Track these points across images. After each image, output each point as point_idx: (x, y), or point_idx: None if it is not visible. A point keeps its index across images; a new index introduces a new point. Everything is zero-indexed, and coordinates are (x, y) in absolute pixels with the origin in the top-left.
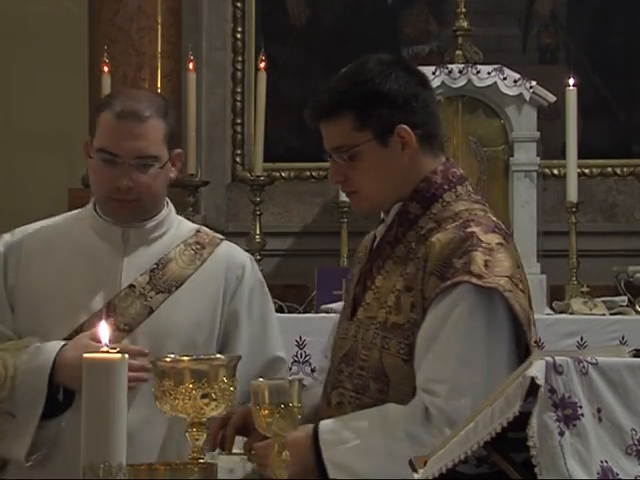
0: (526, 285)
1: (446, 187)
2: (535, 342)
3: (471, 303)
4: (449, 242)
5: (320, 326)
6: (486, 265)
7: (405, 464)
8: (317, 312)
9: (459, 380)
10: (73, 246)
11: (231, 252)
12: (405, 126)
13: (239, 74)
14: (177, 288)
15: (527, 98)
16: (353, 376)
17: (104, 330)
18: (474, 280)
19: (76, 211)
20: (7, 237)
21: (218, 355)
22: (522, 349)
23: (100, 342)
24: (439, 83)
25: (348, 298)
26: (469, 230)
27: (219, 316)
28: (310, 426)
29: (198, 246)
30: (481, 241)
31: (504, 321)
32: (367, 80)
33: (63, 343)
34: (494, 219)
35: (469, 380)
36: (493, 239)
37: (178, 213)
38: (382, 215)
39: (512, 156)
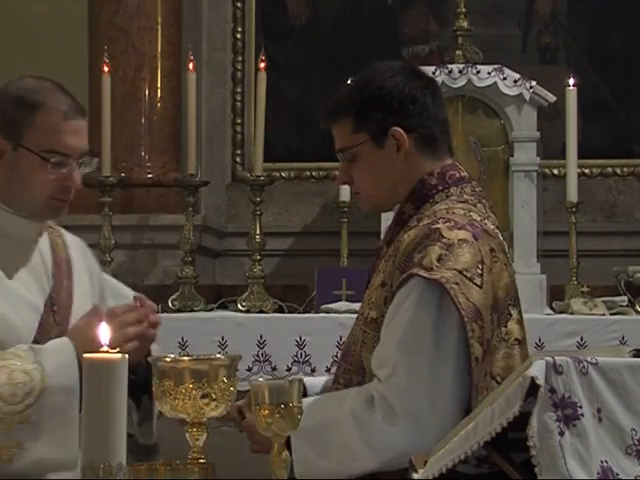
0: (490, 282)
1: (440, 188)
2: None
3: (419, 295)
4: (415, 238)
5: (320, 326)
6: (439, 259)
7: (347, 439)
8: (317, 312)
9: (398, 366)
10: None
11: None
12: (398, 128)
13: (239, 74)
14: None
15: (527, 98)
16: (345, 372)
17: (104, 331)
18: (422, 272)
19: None
20: None
21: (218, 355)
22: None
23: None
24: (439, 83)
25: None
26: (434, 226)
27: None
28: None
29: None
30: (442, 236)
31: (453, 314)
32: (367, 85)
33: (66, 339)
34: (475, 218)
35: (410, 366)
36: (457, 235)
37: (179, 213)
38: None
39: (512, 156)
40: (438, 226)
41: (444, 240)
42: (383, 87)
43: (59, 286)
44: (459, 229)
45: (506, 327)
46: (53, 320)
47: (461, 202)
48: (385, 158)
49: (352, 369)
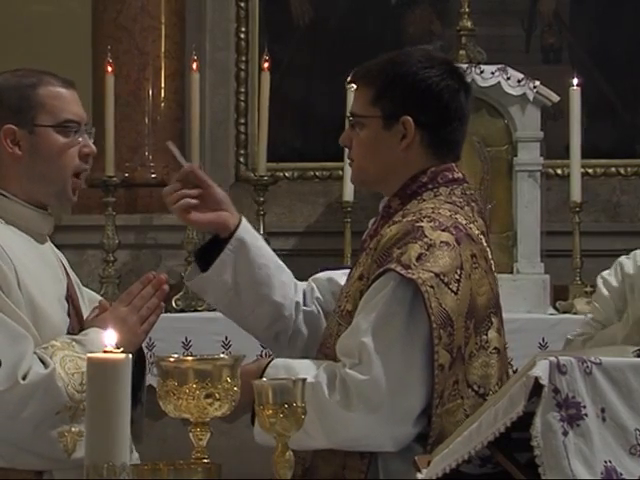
0: (467, 288)
1: (430, 186)
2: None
3: (393, 290)
4: (396, 233)
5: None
6: (418, 258)
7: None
8: None
9: (364, 357)
10: (22, 242)
11: None
12: (409, 119)
13: (242, 74)
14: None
15: (531, 98)
16: None
17: (110, 333)
18: (399, 269)
19: None
20: None
21: (222, 355)
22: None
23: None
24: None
25: None
26: (418, 224)
27: None
28: (265, 360)
29: None
30: (424, 235)
31: (424, 314)
32: (401, 63)
33: (100, 330)
34: (461, 221)
35: (375, 359)
36: (440, 236)
37: None
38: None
39: (516, 156)
40: (422, 225)
41: (425, 239)
42: (415, 74)
43: (70, 280)
44: (442, 230)
45: (486, 335)
46: (68, 313)
47: (448, 203)
48: (387, 141)
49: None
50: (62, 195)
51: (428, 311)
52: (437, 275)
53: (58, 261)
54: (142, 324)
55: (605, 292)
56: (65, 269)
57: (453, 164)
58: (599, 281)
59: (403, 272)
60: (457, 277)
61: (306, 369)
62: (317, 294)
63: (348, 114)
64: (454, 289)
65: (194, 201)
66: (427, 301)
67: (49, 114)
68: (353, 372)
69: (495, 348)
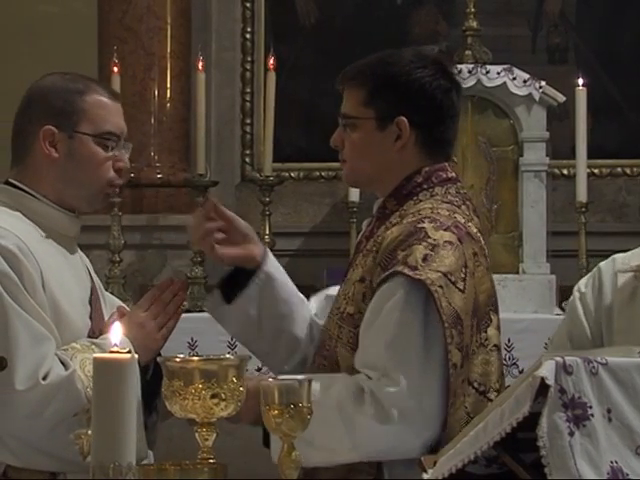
0: (472, 286)
1: (425, 187)
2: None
3: (406, 293)
4: (398, 235)
5: None
6: (424, 259)
7: (329, 428)
8: None
9: (389, 367)
10: (49, 244)
11: None
12: (404, 119)
13: (248, 74)
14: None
15: (537, 98)
16: (320, 367)
17: (117, 330)
18: (406, 271)
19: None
20: (2, 241)
21: (227, 355)
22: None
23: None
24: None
25: None
26: (420, 225)
27: None
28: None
29: None
30: (428, 236)
31: (436, 314)
32: (393, 63)
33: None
34: (460, 220)
35: (401, 367)
36: (443, 236)
37: (188, 213)
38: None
39: (521, 156)
40: (424, 225)
41: (429, 240)
42: (408, 74)
43: (94, 284)
44: (445, 230)
45: (486, 332)
46: (90, 317)
47: (445, 202)
48: (381, 142)
49: (327, 364)
50: (93, 200)
51: (439, 311)
52: (445, 274)
53: (83, 265)
54: (160, 329)
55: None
56: (90, 273)
57: (446, 164)
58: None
59: (411, 274)
60: (463, 275)
61: (323, 389)
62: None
63: (340, 115)
64: (461, 287)
65: (222, 235)
66: (437, 301)
67: (91, 123)
68: (383, 385)
69: (495, 345)
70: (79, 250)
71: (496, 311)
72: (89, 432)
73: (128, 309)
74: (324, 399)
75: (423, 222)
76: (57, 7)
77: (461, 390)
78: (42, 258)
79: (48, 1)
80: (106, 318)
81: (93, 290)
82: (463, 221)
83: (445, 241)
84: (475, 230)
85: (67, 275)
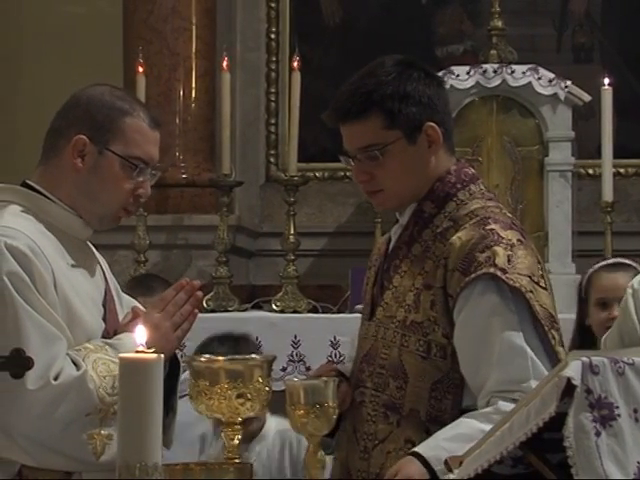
0: (547, 281)
1: (459, 186)
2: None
3: (499, 294)
4: (470, 239)
5: (354, 326)
6: (509, 260)
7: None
8: (351, 312)
9: (503, 366)
10: (62, 245)
11: None
12: (432, 124)
13: (273, 74)
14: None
15: (562, 98)
16: (374, 375)
17: (140, 332)
18: (499, 273)
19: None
20: (13, 242)
21: (253, 355)
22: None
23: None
24: (473, 83)
25: (366, 299)
26: (488, 227)
27: None
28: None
29: None
30: (501, 237)
31: (528, 318)
32: (392, 80)
33: (130, 333)
34: (509, 215)
35: (512, 364)
36: (513, 236)
37: (213, 213)
38: (397, 216)
39: (547, 156)
40: (492, 227)
41: (504, 241)
42: (411, 81)
43: (108, 285)
44: (510, 229)
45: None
46: (103, 318)
47: (489, 200)
48: (417, 154)
49: (387, 373)
50: (104, 219)
51: (537, 316)
52: (530, 278)
53: (98, 266)
54: (175, 330)
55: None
56: (104, 274)
57: (463, 160)
58: (628, 291)
59: (504, 277)
60: (541, 272)
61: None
62: None
63: (357, 150)
64: (544, 285)
65: None
66: (533, 307)
67: (124, 144)
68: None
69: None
70: (95, 251)
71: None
72: (102, 432)
73: (143, 310)
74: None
75: (489, 223)
76: (83, 8)
77: None
78: (54, 259)
79: (74, 2)
80: (121, 319)
81: (107, 292)
82: (510, 216)
83: (516, 240)
84: (519, 223)
85: (80, 276)
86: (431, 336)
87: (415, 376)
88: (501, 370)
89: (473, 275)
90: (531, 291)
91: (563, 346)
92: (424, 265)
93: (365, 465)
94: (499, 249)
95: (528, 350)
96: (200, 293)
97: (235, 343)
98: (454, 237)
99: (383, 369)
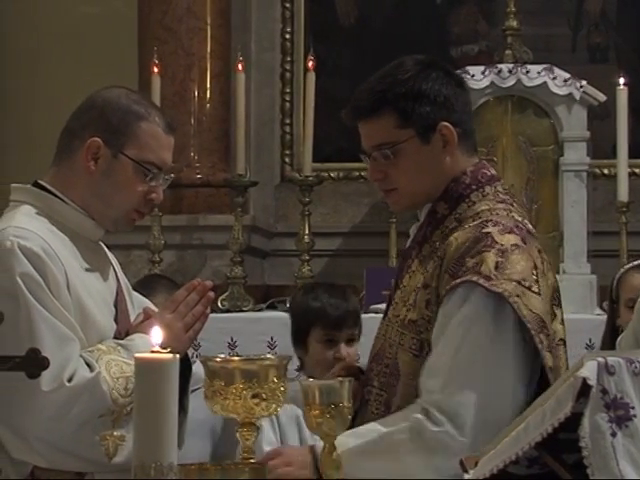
0: (545, 285)
1: (474, 187)
2: (562, 340)
3: (477, 303)
4: (465, 241)
5: (369, 326)
6: (497, 267)
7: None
8: (366, 312)
9: (453, 375)
10: (74, 246)
11: None
12: (447, 124)
13: (288, 74)
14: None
15: (577, 97)
16: (380, 374)
17: (157, 332)
18: (482, 281)
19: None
20: (27, 243)
21: (268, 355)
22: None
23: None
24: (488, 83)
25: (388, 298)
26: (485, 230)
27: None
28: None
29: None
30: (495, 242)
31: (510, 324)
32: (407, 79)
33: (146, 335)
34: (518, 219)
35: (464, 376)
36: (509, 240)
37: (228, 213)
38: (418, 215)
39: (562, 156)
40: (489, 230)
41: (497, 246)
42: (426, 81)
43: (120, 285)
44: (509, 233)
45: (551, 327)
46: (115, 319)
47: (499, 202)
48: (431, 154)
49: (389, 372)
50: (117, 222)
51: (522, 320)
52: (519, 282)
53: (110, 266)
54: (187, 331)
55: None
56: (116, 274)
57: (485, 161)
58: None
59: (487, 285)
60: (535, 278)
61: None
62: None
63: (371, 148)
64: (536, 290)
65: None
66: (518, 311)
67: (138, 149)
68: (445, 393)
69: (560, 339)
70: (107, 251)
71: (559, 305)
72: (115, 433)
73: (155, 310)
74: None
75: (487, 226)
76: (98, 8)
77: None
78: (66, 260)
79: (89, 2)
80: (133, 319)
81: (119, 292)
82: (520, 219)
83: (512, 244)
84: (530, 226)
85: (92, 277)
86: (424, 335)
87: (407, 374)
88: (429, 362)
89: (458, 280)
90: (518, 295)
91: (551, 351)
92: (427, 265)
93: None
94: (489, 255)
95: (480, 373)
96: (212, 294)
97: (343, 293)
98: (451, 237)
99: (387, 368)
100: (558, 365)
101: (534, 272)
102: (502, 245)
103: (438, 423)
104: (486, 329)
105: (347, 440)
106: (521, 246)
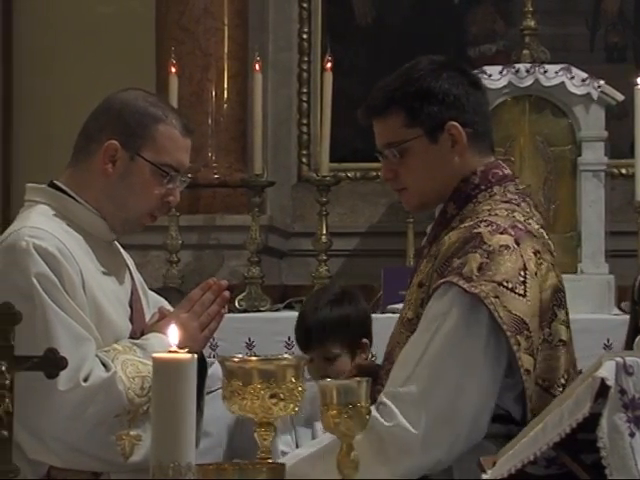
0: (535, 287)
1: (482, 187)
2: (561, 341)
3: (452, 302)
4: (455, 241)
5: (386, 326)
6: (480, 268)
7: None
8: (383, 312)
9: (417, 369)
10: (89, 246)
11: None
12: (455, 123)
13: (305, 74)
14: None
15: (595, 97)
16: (387, 373)
17: (173, 332)
18: (461, 282)
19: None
20: (42, 243)
21: (286, 355)
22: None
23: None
24: (506, 83)
25: None
26: (476, 231)
27: None
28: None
29: None
30: (484, 243)
31: (484, 324)
32: (418, 78)
33: (161, 335)
34: (519, 219)
35: (428, 370)
36: (499, 240)
37: (245, 213)
38: (435, 214)
39: (580, 155)
40: (480, 230)
41: (484, 247)
42: (436, 81)
43: (134, 285)
44: (501, 233)
45: (549, 328)
46: (130, 319)
47: (504, 202)
48: (439, 154)
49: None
50: (129, 224)
51: (498, 321)
52: (500, 283)
53: (125, 266)
54: (202, 330)
55: None
56: (131, 273)
57: (500, 160)
58: None
59: (465, 286)
60: (522, 279)
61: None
62: None
63: (382, 147)
64: (521, 292)
65: None
66: (494, 312)
67: (155, 152)
68: (405, 391)
69: (560, 340)
70: (121, 250)
71: (562, 306)
72: (131, 433)
73: (170, 309)
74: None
75: (479, 226)
76: (115, 8)
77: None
78: (82, 260)
79: (106, 2)
80: (148, 318)
81: (134, 291)
82: (523, 219)
83: (501, 246)
84: (537, 227)
85: (107, 277)
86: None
87: None
88: (403, 351)
89: (441, 280)
90: (496, 296)
91: (533, 354)
92: (428, 265)
93: None
94: (474, 256)
95: (445, 368)
96: (227, 293)
97: (323, 305)
98: (446, 237)
99: (392, 366)
100: (556, 366)
101: (522, 273)
102: (489, 246)
103: (390, 417)
104: (457, 327)
105: (301, 452)
106: (511, 247)
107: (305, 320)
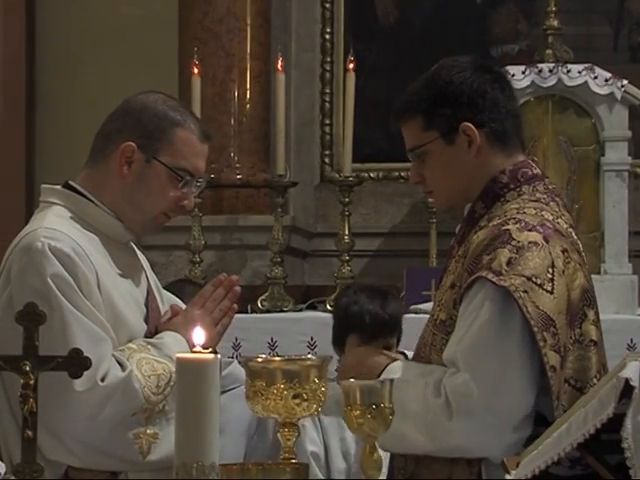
0: (563, 285)
1: (512, 187)
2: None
3: (484, 297)
4: (484, 239)
5: (409, 326)
6: (509, 262)
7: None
8: (406, 313)
9: (461, 366)
10: (104, 247)
11: None
12: (469, 124)
13: (328, 75)
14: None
15: (618, 97)
16: None
17: (199, 333)
18: (490, 276)
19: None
20: (57, 244)
21: (309, 355)
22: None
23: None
24: (529, 82)
25: None
26: (504, 228)
27: None
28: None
29: None
30: (512, 238)
31: (517, 318)
32: (434, 82)
33: (175, 334)
34: (548, 217)
35: (470, 367)
36: (527, 237)
37: (268, 213)
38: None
39: (603, 155)
40: (508, 227)
41: (513, 242)
42: (451, 83)
43: (150, 285)
44: (529, 230)
45: (580, 328)
46: (145, 319)
47: (533, 201)
48: (456, 155)
49: None
50: (145, 227)
51: (526, 317)
52: (529, 278)
53: (140, 266)
54: (215, 326)
55: None
56: (146, 274)
57: (529, 160)
58: None
59: (495, 279)
60: (550, 276)
61: (420, 375)
62: None
63: (408, 152)
64: (549, 289)
65: None
66: (522, 307)
67: (172, 155)
68: (452, 380)
69: (591, 340)
70: (136, 251)
71: (591, 306)
72: (148, 431)
73: (182, 307)
74: (416, 383)
75: (508, 224)
76: (139, 9)
77: (559, 389)
78: (97, 261)
79: (130, 3)
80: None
81: (149, 291)
82: (551, 218)
83: (530, 242)
84: (566, 226)
85: (122, 278)
86: (452, 334)
87: None
88: (446, 349)
89: (472, 277)
90: (525, 291)
91: (559, 351)
92: (458, 265)
93: (402, 462)
94: (503, 251)
95: (475, 347)
96: (238, 288)
97: (384, 299)
98: (474, 236)
99: None
100: (588, 366)
101: (550, 270)
102: (518, 242)
103: (440, 399)
104: (491, 320)
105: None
106: (540, 244)
107: (376, 316)
